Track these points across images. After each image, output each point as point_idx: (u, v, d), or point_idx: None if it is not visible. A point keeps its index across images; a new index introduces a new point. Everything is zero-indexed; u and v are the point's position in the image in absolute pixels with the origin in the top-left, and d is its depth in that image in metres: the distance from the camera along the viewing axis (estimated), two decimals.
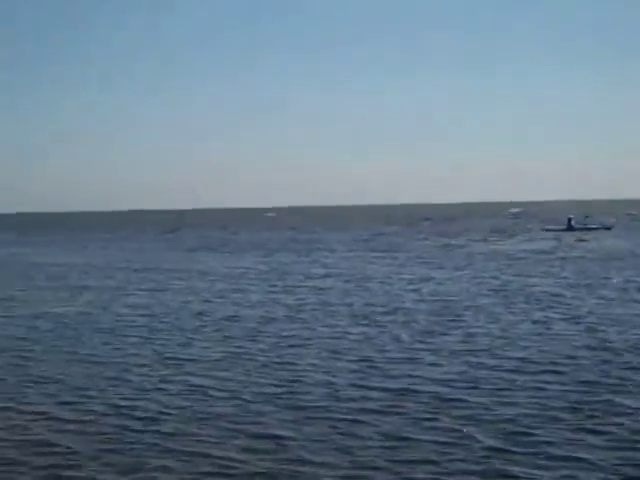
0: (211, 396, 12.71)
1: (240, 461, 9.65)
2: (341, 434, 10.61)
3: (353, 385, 13.26)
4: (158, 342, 17.78)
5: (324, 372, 14.29)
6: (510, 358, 15.02)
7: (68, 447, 10.30)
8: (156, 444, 10.34)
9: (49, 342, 18.03)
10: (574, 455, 9.53)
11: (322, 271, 35.48)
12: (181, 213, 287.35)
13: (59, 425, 11.29)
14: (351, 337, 17.88)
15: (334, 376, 13.95)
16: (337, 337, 17.93)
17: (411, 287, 28.07)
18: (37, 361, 15.86)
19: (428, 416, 11.30)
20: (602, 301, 22.72)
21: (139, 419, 11.48)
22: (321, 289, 28.08)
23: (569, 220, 66.92)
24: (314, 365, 14.91)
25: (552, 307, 21.72)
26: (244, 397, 12.58)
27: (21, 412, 12.01)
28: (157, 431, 10.87)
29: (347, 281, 30.66)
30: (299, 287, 29.01)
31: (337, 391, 12.87)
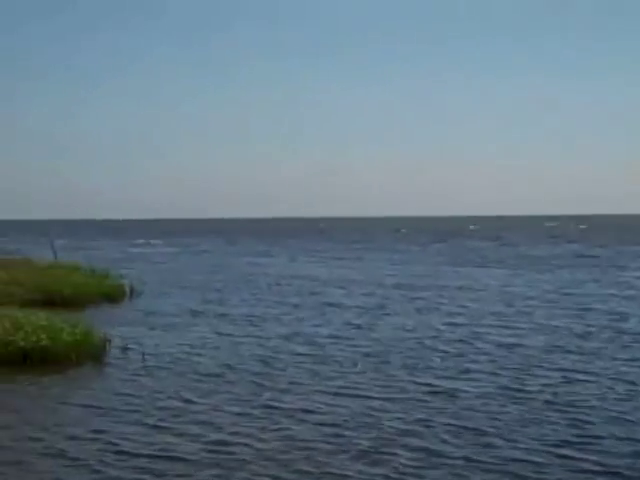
0: (482, 439, 12.18)
1: None
2: None
3: None
4: (423, 371, 17.53)
5: (619, 419, 13.31)
6: None
7: None
8: None
9: (296, 367, 18.21)
10: None
11: (619, 293, 33.85)
12: (445, 220, 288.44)
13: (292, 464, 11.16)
14: None
15: (635, 426, 13.02)
16: (636, 374, 16.86)
17: None
18: (279, 390, 15.86)
19: None
20: None
21: (397, 469, 11.10)
22: (617, 314, 26.71)
23: None
24: (607, 409, 13.98)
25: None
26: (521, 444, 11.89)
27: (256, 449, 11.94)
28: None
29: None
30: (590, 310, 27.83)
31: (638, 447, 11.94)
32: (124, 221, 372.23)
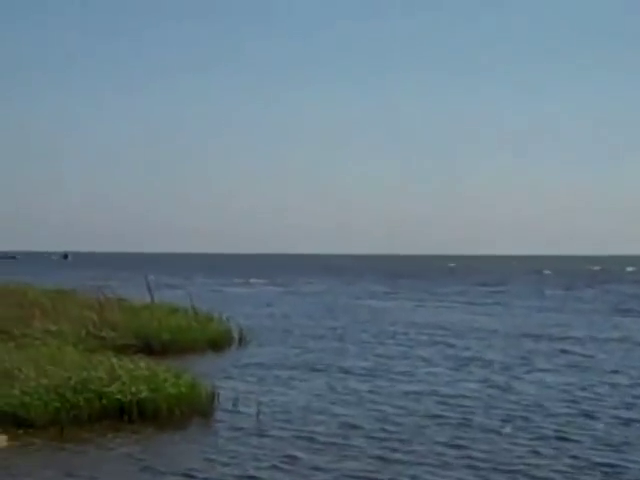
0: None
1: None
2: None
3: None
4: (579, 441, 17.25)
5: None
6: None
7: None
8: None
9: (426, 432, 18.07)
10: None
11: None
12: (592, 260, 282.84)
13: None
14: None
15: None
16: None
17: None
18: (407, 462, 15.62)
19: None
20: None
21: None
22: None
23: None
24: None
25: None
26: None
27: None
28: None
29: None
30: None
31: None
32: (216, 255, 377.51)
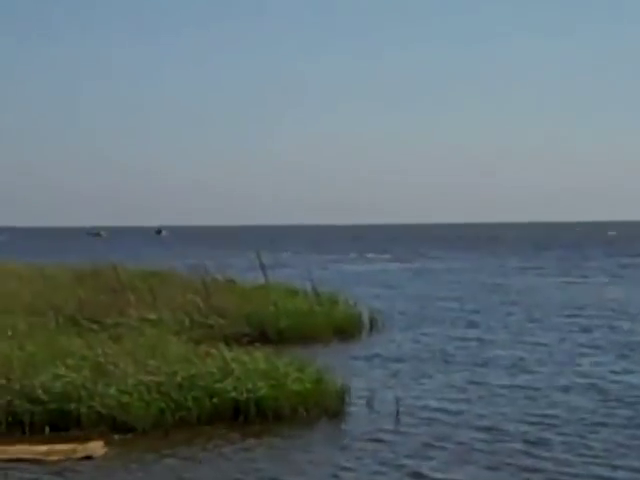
0: None
1: None
2: None
3: None
4: None
5: None
6: None
7: None
8: None
9: (584, 434, 17.96)
10: None
11: None
12: None
13: None
14: None
15: None
16: None
17: None
18: (556, 474, 15.46)
19: None
20: None
21: None
22: None
23: None
24: None
25: None
26: None
27: None
28: None
29: None
30: None
31: None
32: (313, 227, 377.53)
